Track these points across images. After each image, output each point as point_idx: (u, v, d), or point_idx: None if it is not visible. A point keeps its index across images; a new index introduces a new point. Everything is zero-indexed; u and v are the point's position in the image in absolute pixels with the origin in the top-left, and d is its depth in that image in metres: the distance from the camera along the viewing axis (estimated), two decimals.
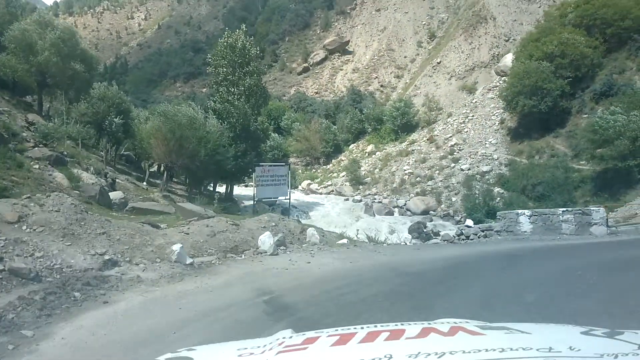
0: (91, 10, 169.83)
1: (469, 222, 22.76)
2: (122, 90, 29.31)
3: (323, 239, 13.24)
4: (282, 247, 11.54)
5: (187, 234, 10.81)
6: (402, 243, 15.44)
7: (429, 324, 2.06)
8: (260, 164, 22.99)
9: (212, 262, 9.69)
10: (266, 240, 11.11)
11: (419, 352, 1.56)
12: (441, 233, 26.67)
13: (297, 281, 8.66)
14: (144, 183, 23.78)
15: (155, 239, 9.99)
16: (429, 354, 1.54)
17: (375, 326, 2.04)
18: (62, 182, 13.23)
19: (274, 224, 13.20)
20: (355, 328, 2.03)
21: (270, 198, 22.23)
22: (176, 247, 9.22)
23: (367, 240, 15.23)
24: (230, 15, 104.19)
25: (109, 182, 18.39)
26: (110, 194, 16.03)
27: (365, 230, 18.00)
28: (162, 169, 27.86)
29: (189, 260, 9.20)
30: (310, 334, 2.04)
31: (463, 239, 18.15)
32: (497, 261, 12.00)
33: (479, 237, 18.03)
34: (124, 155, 30.49)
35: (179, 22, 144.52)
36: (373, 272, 9.85)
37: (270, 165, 22.49)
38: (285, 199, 22.81)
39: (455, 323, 2.09)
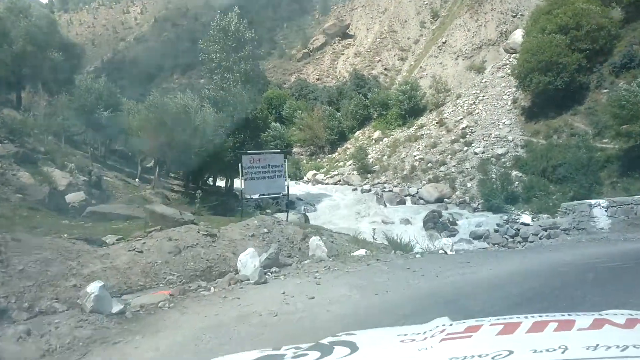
0: (86, 7, 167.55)
1: (526, 218, 19.29)
2: (120, 84, 27.52)
3: (333, 249, 10.40)
4: (273, 269, 8.49)
5: (140, 252, 7.88)
6: (440, 251, 11.83)
7: (600, 314, 1.96)
8: (248, 152, 18.62)
9: (160, 304, 6.48)
10: (248, 261, 8.06)
11: (597, 345, 1.49)
12: (458, 222, 24.93)
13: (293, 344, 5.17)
14: (136, 180, 22.07)
15: (87, 264, 7.07)
16: (609, 347, 1.46)
17: (540, 316, 1.96)
18: (27, 182, 11.39)
19: (266, 230, 10.43)
20: (518, 317, 1.95)
21: (263, 194, 17.77)
22: (93, 289, 5.96)
23: (388, 244, 12.16)
24: (226, 4, 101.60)
25: (94, 180, 16.68)
26: (67, 196, 13.49)
27: (381, 228, 15.87)
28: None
29: (117, 307, 6.06)
30: (471, 322, 1.99)
31: (519, 241, 14.97)
32: (606, 282, 7.98)
33: (540, 238, 14.62)
34: (117, 151, 28.81)
35: (176, 14, 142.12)
36: (418, 316, 5.50)
37: (262, 154, 17.98)
38: (283, 194, 18.88)
39: (630, 315, 1.92)
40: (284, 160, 17.19)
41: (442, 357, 1.63)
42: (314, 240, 10.30)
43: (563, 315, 1.96)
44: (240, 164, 15.79)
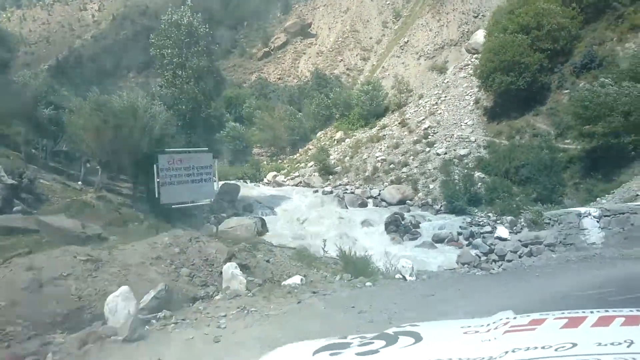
0: (40, 3, 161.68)
1: (502, 230, 16.01)
2: (75, 83, 25.71)
3: (267, 271, 8.36)
4: (163, 314, 6.27)
5: None
6: (397, 276, 9.54)
7: None
8: (166, 150, 15.08)
9: None
10: (119, 305, 5.74)
11: None
12: (421, 225, 24.21)
13: None
14: (79, 183, 20.52)
15: None
16: None
17: (607, 311, 1.93)
18: None
19: (177, 250, 8.38)
20: (584, 312, 1.94)
21: (185, 202, 14.09)
22: None
23: (339, 261, 10.02)
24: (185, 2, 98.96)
25: (25, 184, 15.16)
26: None
27: (342, 232, 14.43)
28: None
29: None
30: (535, 315, 2.00)
31: (495, 260, 12.29)
32: None
33: (520, 256, 12.07)
34: (63, 152, 27.01)
35: (135, 12, 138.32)
36: None
37: (184, 153, 14.73)
38: (210, 201, 15.62)
39: None
40: (214, 161, 14.31)
41: (505, 347, 1.63)
42: (229, 269, 8.09)
43: (631, 310, 1.90)
44: (155, 165, 12.75)
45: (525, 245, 12.41)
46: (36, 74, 21.82)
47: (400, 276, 9.47)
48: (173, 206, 13.95)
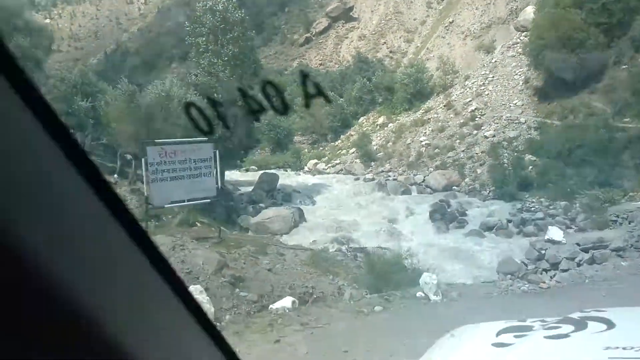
0: None
1: (554, 231, 12.09)
2: (121, 75, 25.80)
3: (265, 285, 6.94)
4: None
5: None
6: (421, 295, 7.74)
7: None
8: (156, 141, 12.42)
9: None
10: None
11: None
12: (468, 212, 23.08)
13: None
14: (115, 175, 20.45)
15: None
16: None
17: None
18: None
19: None
20: None
21: (181, 201, 11.94)
22: None
23: (361, 265, 8.27)
24: None
25: None
26: None
27: (383, 223, 13.39)
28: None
29: None
30: None
31: (546, 270, 9.74)
32: None
33: (579, 265, 9.57)
34: (103, 144, 27.24)
35: (179, 3, 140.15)
36: None
37: (179, 144, 12.18)
38: (213, 199, 13.08)
39: None
40: (214, 153, 12.07)
41: None
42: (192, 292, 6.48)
43: None
44: (143, 159, 11.06)
45: (586, 250, 9.90)
46: (72, 67, 21.84)
47: (423, 294, 7.63)
48: (166, 206, 12.01)
